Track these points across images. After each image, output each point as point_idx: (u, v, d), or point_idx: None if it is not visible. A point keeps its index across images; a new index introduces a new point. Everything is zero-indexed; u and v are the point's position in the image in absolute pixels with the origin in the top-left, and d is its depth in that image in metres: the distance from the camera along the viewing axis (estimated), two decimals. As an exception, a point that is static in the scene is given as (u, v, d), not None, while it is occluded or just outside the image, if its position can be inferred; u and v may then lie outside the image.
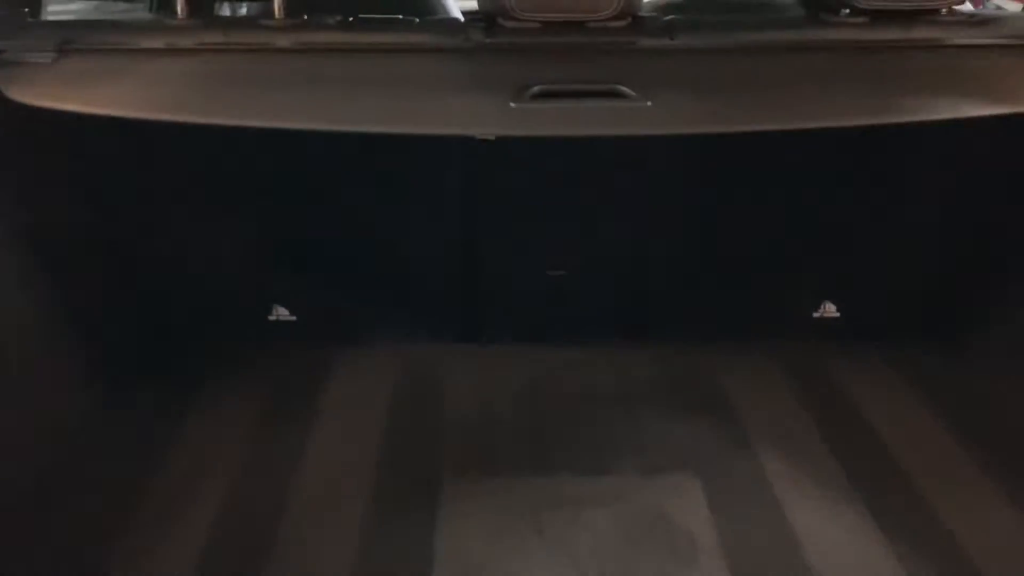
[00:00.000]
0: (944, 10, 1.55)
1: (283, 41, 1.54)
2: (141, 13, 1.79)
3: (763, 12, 2.43)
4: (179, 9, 1.54)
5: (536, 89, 1.40)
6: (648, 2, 3.28)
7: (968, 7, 1.62)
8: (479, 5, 1.61)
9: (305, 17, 1.59)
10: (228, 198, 1.84)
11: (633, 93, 1.39)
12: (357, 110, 1.43)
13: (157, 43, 1.51)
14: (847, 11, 1.55)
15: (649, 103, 1.39)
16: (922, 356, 2.01)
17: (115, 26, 1.59)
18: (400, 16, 1.65)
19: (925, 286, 2.00)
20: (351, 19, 1.61)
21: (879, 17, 1.54)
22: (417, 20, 1.63)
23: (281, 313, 2.02)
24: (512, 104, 1.39)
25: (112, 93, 1.43)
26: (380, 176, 1.81)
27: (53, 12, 1.97)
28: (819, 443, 1.74)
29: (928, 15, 1.54)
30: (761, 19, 1.65)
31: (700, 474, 1.64)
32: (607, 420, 1.82)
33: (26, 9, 1.62)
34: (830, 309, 2.04)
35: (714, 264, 1.97)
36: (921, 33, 1.54)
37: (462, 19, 1.61)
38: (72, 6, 2.27)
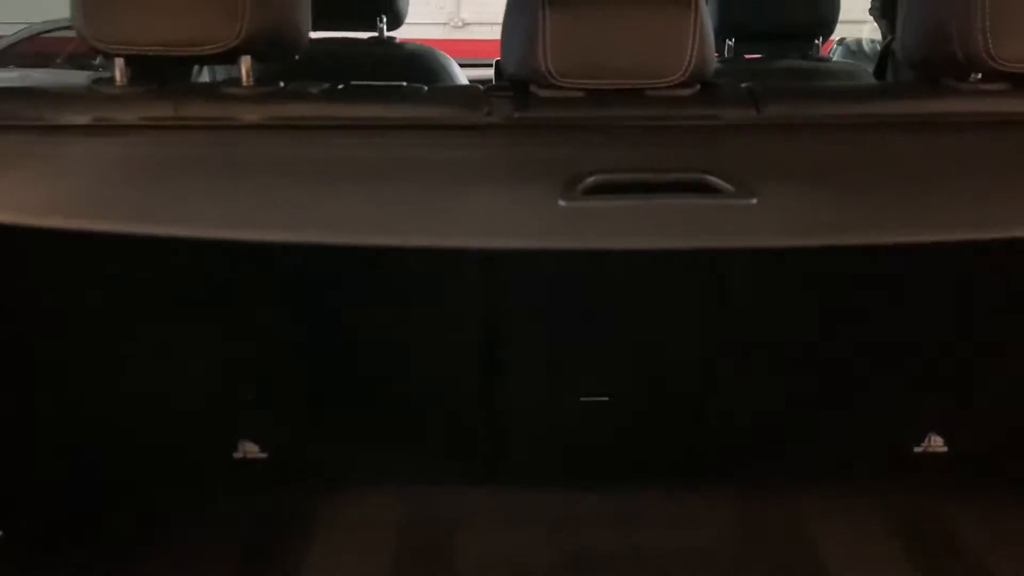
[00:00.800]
0: None
1: (251, 115, 1.18)
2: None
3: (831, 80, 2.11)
4: (118, 74, 1.19)
5: (592, 180, 1.03)
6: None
7: None
8: (503, 69, 1.26)
9: (281, 84, 1.24)
10: (176, 309, 1.44)
11: (728, 186, 1.02)
12: (344, 214, 1.06)
13: (83, 118, 1.15)
14: (979, 75, 1.21)
15: (754, 200, 1.01)
16: None
17: (32, 95, 1.24)
18: (403, 83, 1.30)
19: None
20: (340, 87, 1.26)
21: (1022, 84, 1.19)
22: (425, 88, 1.28)
23: (249, 450, 1.61)
24: (562, 202, 1.01)
25: (15, 189, 1.06)
26: (373, 278, 1.41)
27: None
28: None
29: None
30: (857, 87, 1.31)
31: None
32: None
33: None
34: (936, 442, 1.65)
35: (795, 389, 1.58)
36: None
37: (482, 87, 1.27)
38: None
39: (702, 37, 1.15)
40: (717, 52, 2.34)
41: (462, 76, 2.38)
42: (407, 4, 2.36)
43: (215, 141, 1.15)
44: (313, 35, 2.44)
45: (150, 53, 1.15)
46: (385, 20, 2.32)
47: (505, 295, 1.40)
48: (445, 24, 8.07)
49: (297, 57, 1.26)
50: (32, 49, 3.21)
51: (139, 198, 1.09)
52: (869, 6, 2.41)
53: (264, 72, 1.21)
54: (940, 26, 1.19)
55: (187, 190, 1.10)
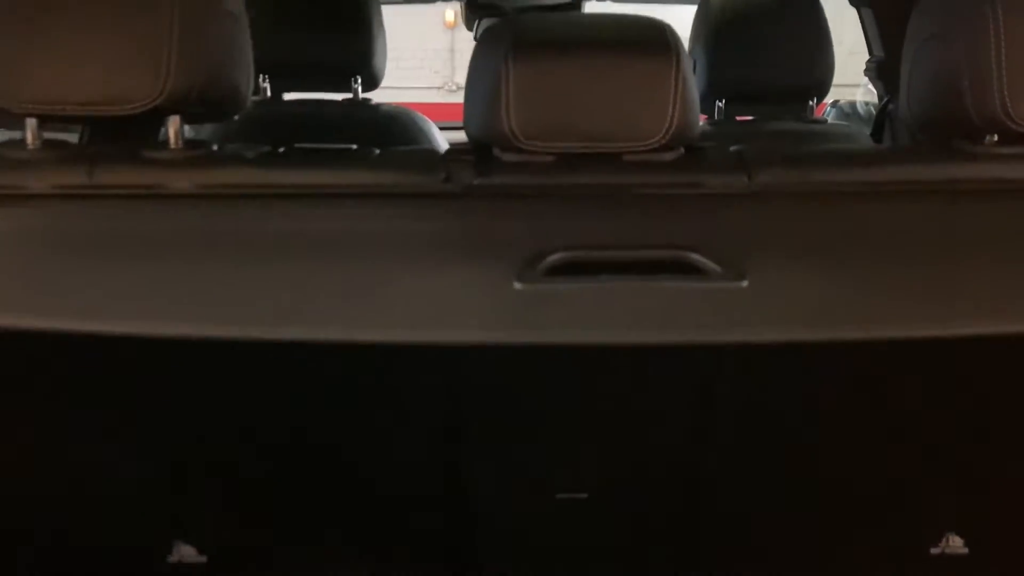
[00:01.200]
0: None
1: (177, 182, 1.04)
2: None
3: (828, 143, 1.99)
4: (28, 135, 1.05)
5: (555, 258, 0.89)
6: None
7: None
8: (467, 131, 1.13)
9: (215, 147, 1.11)
10: (100, 403, 1.28)
11: (715, 266, 0.88)
12: (275, 303, 0.92)
13: None
14: (995, 137, 1.08)
15: (744, 283, 0.87)
16: None
17: None
18: (353, 146, 1.17)
19: None
20: (280, 150, 1.12)
21: None
22: (377, 151, 1.15)
23: (185, 554, 1.43)
24: (517, 284, 0.87)
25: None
26: (319, 368, 1.26)
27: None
28: None
29: None
30: (861, 150, 1.18)
31: None
32: None
33: None
34: (955, 543, 1.48)
35: (794, 486, 1.41)
36: None
37: (442, 150, 1.14)
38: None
39: (684, 95, 1.03)
40: (706, 114, 2.24)
41: (441, 138, 2.27)
42: (383, 65, 2.26)
43: (134, 212, 1.01)
44: (287, 96, 2.34)
45: (63, 113, 1.02)
46: (360, 81, 2.21)
47: (467, 383, 1.25)
48: (440, 88, 8.09)
49: (236, 117, 1.14)
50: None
51: (45, 281, 0.95)
52: (864, 68, 2.32)
53: (220, 135, 1.08)
54: (951, 84, 1.06)
55: (100, 272, 0.96)
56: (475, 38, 3.22)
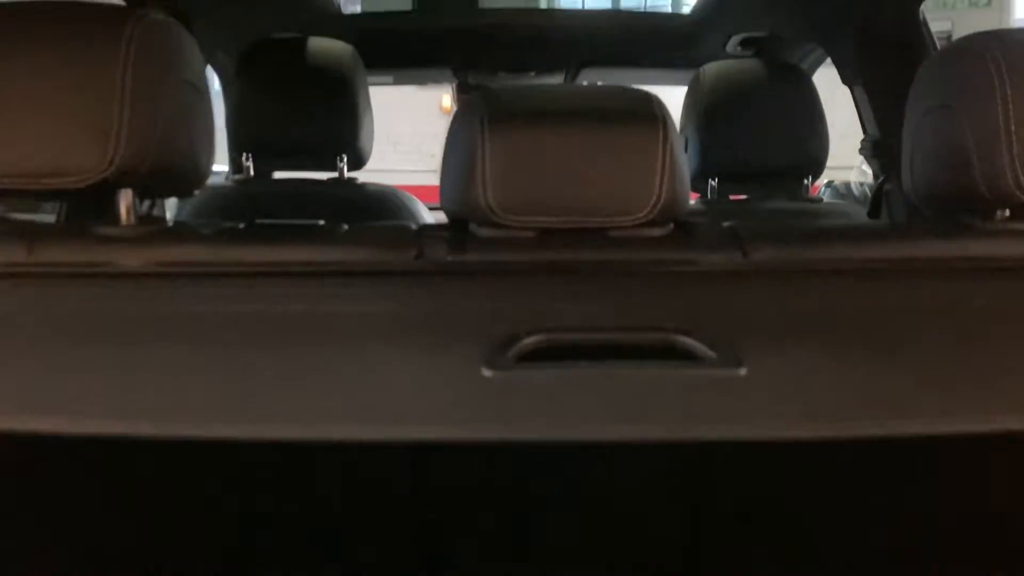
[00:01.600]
0: None
1: (128, 259, 0.97)
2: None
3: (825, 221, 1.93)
4: (-32, 210, 0.98)
5: (531, 341, 0.80)
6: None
7: None
8: (443, 206, 1.06)
9: (169, 222, 1.03)
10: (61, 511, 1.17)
11: (709, 352, 0.79)
12: (223, 398, 0.83)
13: None
14: (1007, 212, 1.01)
15: (742, 371, 0.78)
16: None
17: None
18: (320, 221, 1.10)
19: None
20: (241, 226, 1.05)
21: None
22: (346, 227, 1.07)
23: None
24: (486, 371, 0.78)
25: None
26: (282, 467, 1.16)
27: None
28: None
29: None
30: (864, 226, 1.12)
31: None
32: None
33: None
34: None
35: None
36: None
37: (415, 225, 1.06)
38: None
39: (673, 167, 0.96)
40: (699, 192, 2.19)
41: (429, 216, 2.22)
42: (370, 144, 2.22)
43: (76, 291, 0.93)
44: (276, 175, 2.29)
45: (3, 187, 0.95)
46: (345, 160, 2.17)
47: (441, 477, 1.14)
48: (435, 171, 8.15)
49: (196, 193, 1.07)
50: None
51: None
52: (858, 148, 2.29)
53: (196, 214, 1.01)
54: (956, 157, 1.00)
55: (33, 358, 0.87)
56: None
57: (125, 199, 0.98)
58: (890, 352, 0.88)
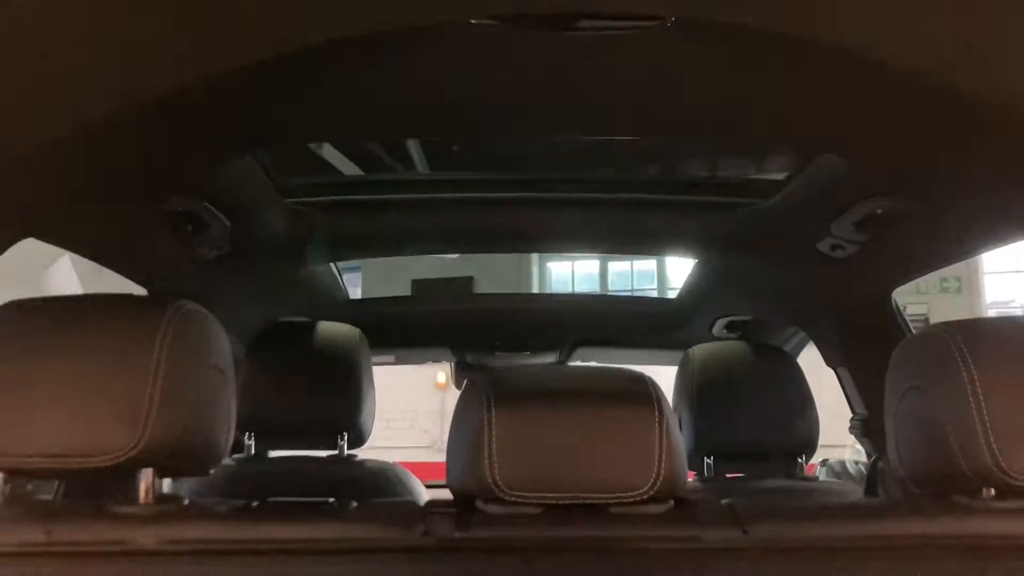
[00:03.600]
0: None
1: (144, 538, 0.99)
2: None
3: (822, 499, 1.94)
4: (-7, 488, 1.01)
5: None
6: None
7: None
8: (449, 485, 1.10)
9: (187, 502, 1.06)
10: None
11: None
12: None
13: None
14: (991, 491, 1.05)
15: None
16: None
17: None
18: (330, 499, 1.13)
19: None
20: (254, 504, 1.08)
21: None
22: (355, 504, 1.11)
23: None
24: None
25: None
26: None
27: None
28: None
29: None
30: (857, 504, 1.15)
31: None
32: None
33: None
34: None
35: None
36: None
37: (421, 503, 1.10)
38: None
39: (670, 445, 1.02)
40: (695, 470, 2.21)
41: (425, 493, 2.22)
42: (371, 423, 2.27)
43: (96, 572, 0.94)
44: (273, 454, 2.32)
45: (28, 466, 0.99)
46: (347, 438, 2.21)
47: None
48: (429, 447, 8.13)
49: (212, 471, 1.10)
50: None
51: None
52: (848, 427, 2.34)
53: (199, 491, 1.03)
54: (937, 438, 1.06)
55: None
56: (465, 397, 3.29)
57: (146, 479, 1.02)
58: None
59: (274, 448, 2.30)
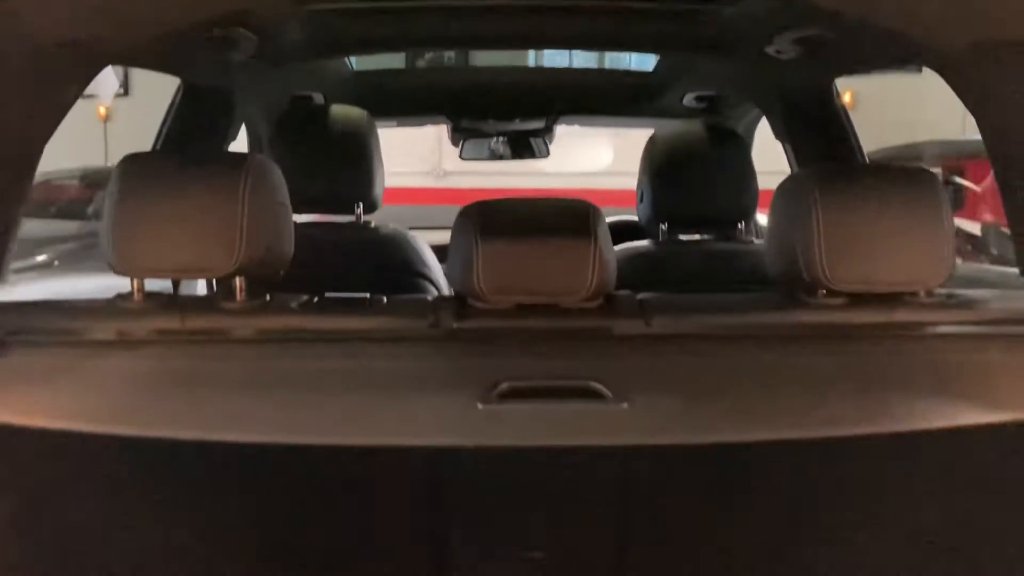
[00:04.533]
0: (923, 292, 1.52)
1: (242, 330, 1.48)
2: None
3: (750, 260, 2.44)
4: (136, 292, 1.48)
5: (505, 386, 1.33)
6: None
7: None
8: (450, 285, 1.57)
9: (268, 298, 1.54)
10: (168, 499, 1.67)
11: (608, 393, 1.32)
12: (313, 420, 1.35)
13: (109, 333, 1.44)
14: (824, 292, 1.52)
15: (625, 405, 1.31)
16: None
17: (66, 310, 1.53)
18: (367, 295, 1.60)
19: None
20: (315, 299, 1.55)
21: (858, 299, 1.50)
22: (384, 299, 1.58)
23: None
24: (480, 405, 1.31)
25: (45, 399, 1.34)
26: (334, 476, 1.64)
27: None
28: None
29: (908, 296, 1.51)
30: (738, 299, 1.62)
31: None
32: None
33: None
34: None
35: (701, 548, 1.81)
36: (901, 316, 1.50)
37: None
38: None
39: (601, 261, 1.46)
40: (652, 236, 2.68)
41: (431, 255, 2.68)
42: (381, 192, 2.69)
43: (211, 355, 1.44)
44: (297, 218, 2.79)
45: (164, 277, 1.46)
46: (362, 207, 2.64)
47: (450, 468, 1.65)
48: (427, 173, 8.58)
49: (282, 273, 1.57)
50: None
51: (150, 405, 1.37)
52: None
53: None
54: (791, 250, 1.51)
55: (184, 404, 1.38)
56: (460, 155, 3.72)
57: (240, 283, 1.48)
58: (737, 389, 1.39)
59: (299, 213, 2.75)
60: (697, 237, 2.77)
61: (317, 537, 1.63)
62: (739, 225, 2.71)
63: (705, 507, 1.60)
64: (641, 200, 2.69)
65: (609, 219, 3.91)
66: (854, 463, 1.60)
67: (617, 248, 2.62)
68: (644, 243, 2.67)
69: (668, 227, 2.65)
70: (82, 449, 1.44)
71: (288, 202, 1.57)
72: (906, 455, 1.60)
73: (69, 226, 6.25)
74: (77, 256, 5.50)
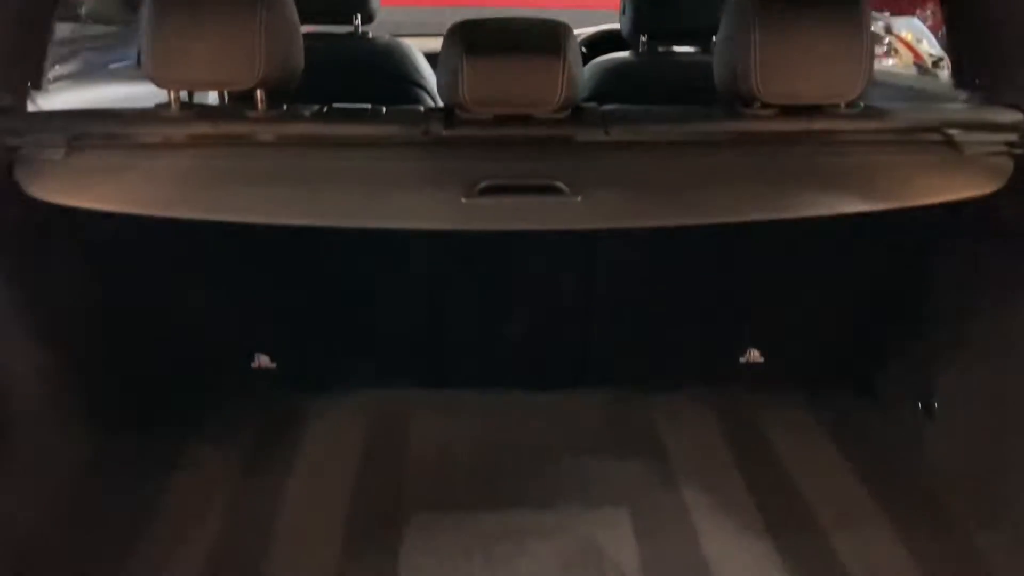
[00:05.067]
0: (843, 104, 1.78)
1: (265, 134, 1.76)
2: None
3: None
4: (173, 103, 1.75)
5: (484, 184, 1.64)
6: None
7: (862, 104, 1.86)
8: (440, 95, 1.83)
9: (285, 107, 1.80)
10: (221, 264, 2.06)
11: (567, 189, 1.63)
12: (326, 207, 1.66)
13: (155, 137, 1.72)
14: (758, 104, 1.78)
15: (579, 199, 1.62)
16: (833, 398, 2.26)
17: (118, 118, 1.80)
18: (369, 105, 1.86)
19: (838, 337, 2.25)
20: (325, 109, 1.82)
21: (787, 110, 1.77)
22: (384, 110, 1.85)
23: (263, 362, 2.23)
24: (463, 199, 1.62)
25: (113, 189, 1.65)
26: (357, 242, 2.02)
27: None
28: (737, 479, 1.98)
29: (829, 108, 1.78)
30: (687, 110, 1.88)
31: (630, 508, 1.87)
32: (553, 460, 2.05)
33: (29, 84, 1.83)
34: (755, 355, 2.28)
35: (648, 314, 2.20)
36: (820, 125, 1.78)
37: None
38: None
39: (570, 75, 1.71)
40: (632, 48, 2.87)
41: (424, 64, 2.88)
42: (378, 6, 2.86)
43: (239, 155, 1.73)
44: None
45: (198, 90, 1.73)
46: (359, 17, 2.82)
47: (445, 252, 2.03)
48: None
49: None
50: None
51: (189, 198, 1.68)
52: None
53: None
54: (732, 66, 1.76)
55: (219, 193, 1.69)
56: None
57: (260, 96, 1.74)
58: (675, 179, 1.70)
59: (304, 24, 2.93)
60: (676, 49, 2.96)
61: (334, 291, 2.06)
62: (714, 38, 2.89)
63: (650, 277, 2.03)
64: (623, 12, 2.86)
65: (594, 28, 4.11)
66: (769, 239, 2.00)
67: (598, 59, 2.86)
68: (624, 54, 2.87)
69: (648, 39, 2.82)
70: (141, 229, 1.79)
71: (297, 19, 1.80)
72: (811, 235, 1.97)
73: (63, 28, 6.27)
74: (85, 61, 5.59)
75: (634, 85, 2.71)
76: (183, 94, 1.77)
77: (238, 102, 1.82)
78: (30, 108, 1.81)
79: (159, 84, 1.71)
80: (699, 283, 2.14)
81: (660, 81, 2.72)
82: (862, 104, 1.83)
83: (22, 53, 1.80)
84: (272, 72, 1.70)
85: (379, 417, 2.23)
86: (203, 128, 1.73)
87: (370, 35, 2.86)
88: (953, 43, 2.03)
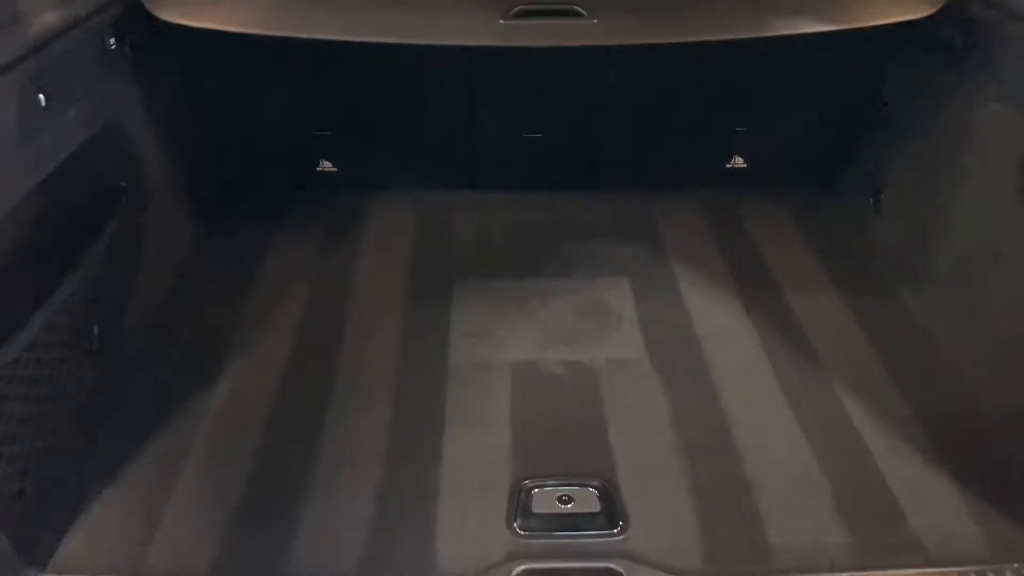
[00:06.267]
0: None
1: None
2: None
3: None
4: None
5: (517, 9, 2.04)
6: None
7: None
8: None
9: None
10: (293, 83, 2.49)
11: (585, 13, 2.04)
12: (388, 26, 2.08)
13: None
14: None
15: (595, 20, 2.03)
16: (800, 194, 2.74)
17: None
18: None
19: (806, 145, 2.68)
20: None
21: None
22: None
23: (326, 166, 2.69)
24: (501, 20, 2.03)
25: (225, 12, 2.07)
26: (407, 67, 2.43)
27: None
28: (718, 257, 2.46)
29: None
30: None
31: (630, 276, 2.36)
32: (568, 242, 2.52)
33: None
34: (739, 162, 2.72)
35: (649, 128, 2.63)
36: None
37: None
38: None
39: None
40: None
41: None
42: None
43: None
44: None
45: None
46: None
47: (479, 77, 2.44)
48: None
49: None
50: None
51: (280, 19, 2.09)
52: None
53: None
54: None
55: (298, 15, 2.10)
56: None
57: None
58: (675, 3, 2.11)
59: None
60: None
61: (386, 108, 2.49)
62: None
63: (651, 97, 2.45)
64: None
65: None
66: (750, 64, 2.41)
67: None
68: None
69: None
70: (236, 47, 2.21)
71: None
72: (783, 60, 2.37)
73: None
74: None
75: None
76: None
77: None
78: None
79: None
80: (692, 101, 2.56)
81: None
82: None
83: None
84: None
85: (426, 212, 2.69)
86: None
87: None
88: None
